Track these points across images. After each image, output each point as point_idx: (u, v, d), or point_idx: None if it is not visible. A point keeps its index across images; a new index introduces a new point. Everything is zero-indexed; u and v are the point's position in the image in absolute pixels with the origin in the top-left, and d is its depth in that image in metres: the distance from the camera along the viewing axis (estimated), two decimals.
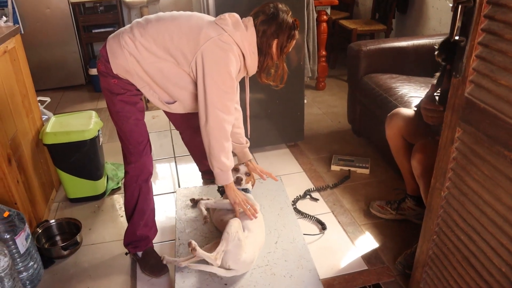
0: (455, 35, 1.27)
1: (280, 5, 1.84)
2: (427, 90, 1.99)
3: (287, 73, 1.97)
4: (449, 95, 1.38)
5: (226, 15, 1.81)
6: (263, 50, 1.83)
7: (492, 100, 1.20)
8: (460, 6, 1.24)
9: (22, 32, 4.12)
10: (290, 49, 1.89)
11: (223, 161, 1.84)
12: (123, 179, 2.06)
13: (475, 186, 1.32)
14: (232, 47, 1.74)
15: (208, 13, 2.60)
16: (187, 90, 1.84)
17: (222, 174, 1.89)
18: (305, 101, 3.21)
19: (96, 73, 4.25)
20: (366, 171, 2.81)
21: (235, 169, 2.11)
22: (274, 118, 2.99)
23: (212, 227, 2.15)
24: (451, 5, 3.70)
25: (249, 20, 1.81)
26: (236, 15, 1.84)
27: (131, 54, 1.74)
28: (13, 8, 3.95)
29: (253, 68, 1.88)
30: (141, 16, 4.85)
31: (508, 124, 1.13)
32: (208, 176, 2.65)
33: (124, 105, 1.83)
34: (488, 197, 1.27)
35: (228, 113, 1.80)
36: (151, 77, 1.80)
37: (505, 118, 1.14)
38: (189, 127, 2.33)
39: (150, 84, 1.82)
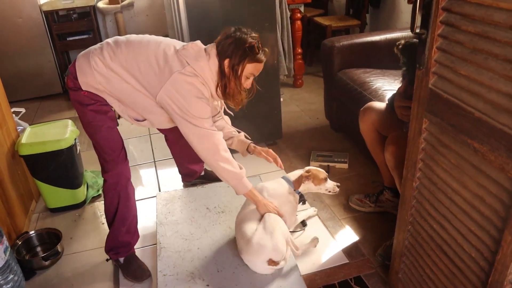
0: (416, 28, 1.30)
1: (243, 28, 1.83)
2: (400, 84, 2.03)
3: (245, 100, 1.92)
4: (414, 87, 1.41)
5: (189, 45, 1.82)
6: (219, 71, 1.82)
7: (454, 90, 1.23)
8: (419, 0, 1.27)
9: None
10: (250, 73, 1.82)
11: (231, 170, 1.84)
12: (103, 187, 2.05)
13: (444, 175, 1.35)
14: (197, 79, 1.76)
15: (180, 19, 2.60)
16: (156, 113, 1.87)
17: (239, 184, 1.88)
18: (282, 99, 3.23)
19: None
20: (345, 166, 2.85)
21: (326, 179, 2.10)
22: (252, 118, 3.00)
23: (193, 229, 2.16)
24: None
25: (212, 48, 1.82)
26: (199, 44, 1.84)
27: (101, 74, 1.76)
28: None
29: (214, 94, 1.87)
30: (116, 22, 4.84)
31: (469, 113, 1.16)
32: (188, 178, 2.66)
33: (95, 115, 1.84)
34: (456, 185, 1.30)
35: (211, 132, 1.81)
36: (119, 98, 1.83)
37: (466, 108, 1.17)
38: (174, 130, 2.32)
39: (119, 101, 1.85)
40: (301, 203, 2.24)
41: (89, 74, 1.76)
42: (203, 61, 1.78)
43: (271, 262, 1.79)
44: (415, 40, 1.93)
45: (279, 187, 2.06)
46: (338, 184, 2.11)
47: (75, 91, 1.81)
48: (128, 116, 1.90)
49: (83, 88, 1.79)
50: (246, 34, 1.80)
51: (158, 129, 2.35)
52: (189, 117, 1.76)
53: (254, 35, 1.82)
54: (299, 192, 2.08)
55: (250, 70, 1.83)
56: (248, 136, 2.16)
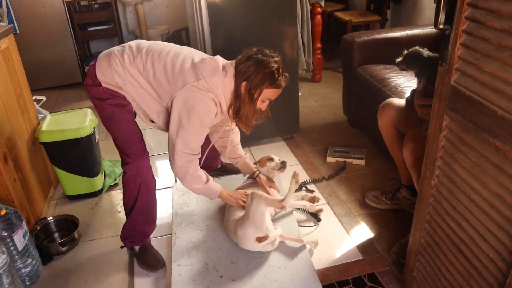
0: (440, 24, 1.28)
1: (266, 50, 1.81)
2: (417, 81, 2.01)
3: (253, 125, 1.93)
4: (436, 84, 1.39)
5: (207, 59, 1.81)
6: (235, 92, 1.81)
7: (477, 87, 1.21)
8: None
9: (18, 31, 4.12)
10: (266, 97, 1.81)
11: (198, 187, 1.94)
12: (121, 176, 2.08)
13: (463, 173, 1.33)
14: (208, 94, 1.76)
15: (200, 11, 2.60)
16: (163, 120, 1.90)
17: (207, 193, 1.99)
18: (300, 93, 3.22)
19: None
20: (362, 162, 2.83)
21: (270, 159, 2.23)
22: (270, 111, 3.00)
23: (209, 221, 2.17)
24: None
25: (231, 65, 1.81)
26: (218, 59, 1.83)
27: (119, 75, 1.79)
28: (8, 8, 3.97)
29: (226, 113, 1.88)
30: (136, 13, 4.87)
31: (492, 111, 1.14)
32: (205, 170, 2.67)
33: (114, 109, 1.86)
34: (475, 184, 1.28)
35: (195, 152, 1.85)
36: (134, 99, 1.85)
37: (489, 105, 1.15)
38: None
39: (133, 103, 1.88)
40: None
41: (108, 74, 1.80)
42: (219, 77, 1.78)
43: (260, 239, 1.87)
44: (414, 49, 1.93)
45: (247, 185, 2.25)
46: (284, 160, 2.23)
47: (94, 87, 1.84)
48: (143, 115, 1.93)
49: (103, 85, 1.82)
50: (268, 57, 1.78)
51: None
52: (183, 132, 1.78)
53: (276, 59, 1.80)
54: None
55: (268, 95, 1.82)
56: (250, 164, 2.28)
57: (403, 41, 2.98)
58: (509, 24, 1.05)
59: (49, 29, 4.35)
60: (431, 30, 3.00)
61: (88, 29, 4.63)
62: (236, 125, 1.98)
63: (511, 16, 1.04)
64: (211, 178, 1.98)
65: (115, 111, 1.86)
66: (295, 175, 1.88)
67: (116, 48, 1.86)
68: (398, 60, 1.99)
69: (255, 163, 2.27)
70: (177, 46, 1.92)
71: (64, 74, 4.59)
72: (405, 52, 1.97)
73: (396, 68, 2.85)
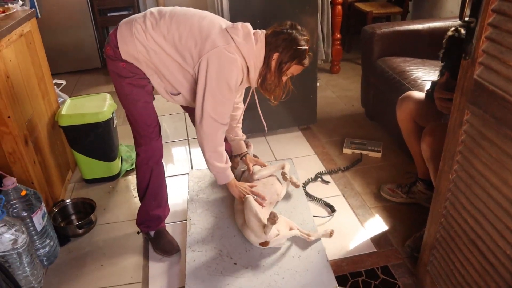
0: (465, 16, 1.26)
1: (298, 26, 1.82)
2: (439, 74, 1.98)
3: (284, 95, 1.94)
4: (458, 78, 1.37)
5: (239, 24, 1.79)
6: (265, 62, 1.81)
7: (500, 82, 1.19)
8: None
9: (39, 16, 4.14)
10: (291, 72, 1.84)
11: (218, 165, 1.90)
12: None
13: (483, 169, 1.32)
14: (237, 59, 1.73)
15: (221, 3, 2.59)
16: (190, 88, 1.87)
17: (220, 176, 1.96)
18: (318, 84, 3.21)
19: None
20: (378, 155, 2.81)
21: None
22: (287, 101, 2.96)
23: (224, 208, 2.18)
24: None
25: (262, 33, 1.80)
26: (249, 26, 1.81)
27: (141, 43, 1.74)
28: None
29: (254, 81, 1.87)
30: (156, 0, 4.87)
31: None
32: None
33: (133, 88, 1.84)
34: (495, 180, 1.26)
35: (223, 120, 1.82)
36: (158, 68, 1.81)
37: None
38: None
39: (157, 74, 1.84)
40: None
41: (130, 42, 1.75)
42: (251, 44, 1.76)
43: (262, 244, 1.86)
44: (452, 32, 1.88)
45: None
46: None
47: (114, 61, 1.80)
48: (164, 89, 1.90)
49: (123, 57, 1.77)
50: (300, 35, 1.78)
51: (183, 107, 2.36)
52: (210, 97, 1.74)
53: (306, 37, 1.80)
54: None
55: (293, 71, 1.84)
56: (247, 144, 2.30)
57: (424, 34, 2.94)
58: None
59: (69, 14, 4.38)
60: (454, 22, 2.95)
61: (108, 14, 4.65)
62: (259, 89, 1.93)
63: None
64: (229, 163, 1.98)
65: (133, 90, 1.84)
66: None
67: (137, 16, 1.81)
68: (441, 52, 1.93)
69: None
70: (200, 10, 1.87)
71: (83, 59, 4.63)
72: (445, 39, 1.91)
73: (417, 61, 2.83)
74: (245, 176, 2.24)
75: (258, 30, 1.83)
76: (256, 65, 1.80)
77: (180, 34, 1.74)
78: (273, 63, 1.79)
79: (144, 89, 1.87)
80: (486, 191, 1.31)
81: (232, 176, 2.00)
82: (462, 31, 1.83)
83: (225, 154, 1.92)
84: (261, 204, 1.98)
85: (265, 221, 1.84)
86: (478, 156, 1.33)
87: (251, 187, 2.06)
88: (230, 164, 1.97)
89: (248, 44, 1.75)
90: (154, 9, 1.84)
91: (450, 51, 1.89)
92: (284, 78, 1.87)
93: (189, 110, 2.37)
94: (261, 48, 1.78)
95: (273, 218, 1.77)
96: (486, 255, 1.35)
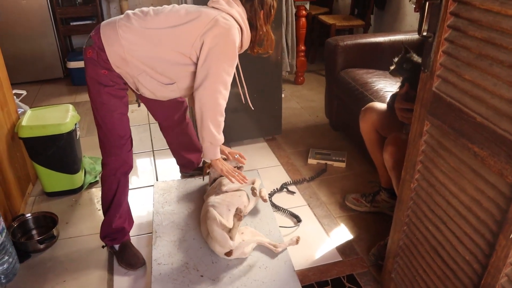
0: (423, 31, 1.31)
1: None
2: (400, 85, 2.04)
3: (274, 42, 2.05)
4: (418, 90, 1.42)
5: None
6: (253, 24, 1.91)
7: (457, 94, 1.24)
8: (427, 3, 1.28)
9: None
10: (273, 17, 1.98)
11: (215, 134, 1.89)
12: (101, 173, 2.06)
13: (442, 177, 1.36)
14: (233, 24, 1.80)
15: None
16: (187, 71, 1.86)
17: (211, 148, 1.94)
18: (283, 95, 3.24)
19: (75, 66, 4.26)
20: (343, 165, 2.86)
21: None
22: (252, 111, 3.01)
23: (190, 220, 2.17)
24: (413, 6, 3.81)
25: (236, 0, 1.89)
26: None
27: (129, 42, 1.74)
28: None
29: (246, 42, 1.94)
30: (120, 9, 4.82)
31: (471, 117, 1.17)
32: (185, 169, 2.67)
33: (111, 98, 1.82)
34: (454, 188, 1.31)
35: (226, 88, 1.85)
36: (148, 63, 1.80)
37: (468, 112, 1.18)
38: (169, 118, 2.33)
39: (148, 70, 1.82)
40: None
41: (115, 42, 1.73)
42: (235, 7, 1.85)
43: (227, 254, 1.88)
44: (405, 54, 1.96)
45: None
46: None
47: (95, 66, 1.76)
48: (158, 82, 1.86)
49: (110, 59, 1.74)
50: None
51: (153, 115, 2.36)
52: (222, 69, 1.80)
53: None
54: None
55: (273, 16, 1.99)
56: None
57: (386, 47, 3.03)
58: (489, 34, 1.09)
59: (30, 21, 4.27)
60: (413, 36, 3.06)
61: (71, 23, 4.57)
62: (251, 50, 2.03)
63: (491, 26, 1.07)
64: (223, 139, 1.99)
65: (111, 100, 1.82)
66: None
67: (117, 18, 1.80)
68: (392, 68, 2.00)
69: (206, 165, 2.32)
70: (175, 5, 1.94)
71: (44, 69, 4.51)
72: (396, 59, 1.99)
73: (379, 73, 2.91)
74: (213, 186, 2.24)
75: None
76: (246, 25, 1.89)
77: (172, 22, 1.78)
78: (262, 21, 1.92)
79: (122, 100, 1.85)
80: (445, 199, 1.36)
81: (219, 154, 2.00)
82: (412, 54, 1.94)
83: (222, 126, 1.93)
84: (243, 181, 2.05)
85: (229, 226, 1.85)
86: (438, 165, 1.37)
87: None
88: (223, 140, 1.96)
89: (234, 8, 1.84)
90: (136, 11, 1.85)
91: (403, 66, 1.96)
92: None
93: (161, 118, 2.36)
94: (243, 10, 1.88)
95: (239, 214, 1.81)
96: (446, 261, 1.39)
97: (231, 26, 1.78)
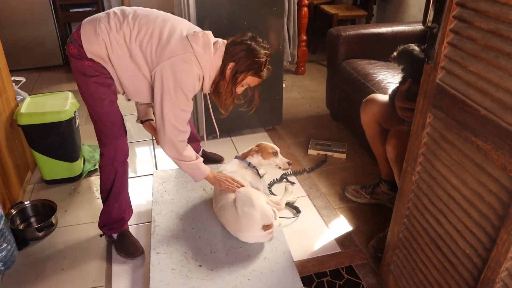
0: (428, 22, 1.29)
1: (259, 38, 1.85)
2: (401, 80, 2.02)
3: (232, 106, 1.95)
4: (421, 81, 1.40)
5: (200, 33, 1.79)
6: (220, 70, 1.83)
7: (461, 86, 1.22)
8: None
9: None
10: (247, 83, 1.87)
11: (188, 164, 1.92)
12: (99, 163, 2.04)
13: (444, 170, 1.35)
14: (194, 69, 1.75)
15: (188, 2, 2.57)
16: (142, 93, 1.87)
17: (195, 172, 1.98)
18: (284, 85, 3.22)
19: None
20: (343, 156, 2.85)
21: (275, 153, 2.19)
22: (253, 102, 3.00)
23: (189, 209, 2.16)
24: None
25: (222, 44, 1.83)
26: (210, 35, 1.82)
27: (105, 42, 1.73)
28: None
29: (207, 87, 1.89)
30: None
31: (475, 110, 1.16)
32: None
33: (98, 87, 1.80)
34: (455, 181, 1.30)
35: (184, 126, 1.85)
36: (115, 69, 1.80)
37: (473, 105, 1.17)
38: None
39: (117, 74, 1.82)
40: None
41: (94, 41, 1.72)
42: (209, 53, 1.77)
43: (265, 227, 1.88)
44: (409, 45, 1.94)
45: (232, 165, 2.19)
46: (290, 161, 2.20)
47: (79, 59, 1.76)
48: (125, 88, 1.88)
49: (88, 56, 1.74)
50: (260, 47, 1.82)
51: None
52: (169, 105, 1.76)
53: (266, 51, 1.83)
54: (252, 165, 2.20)
55: (249, 81, 1.88)
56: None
57: (388, 37, 3.00)
58: (496, 25, 1.07)
59: (29, 8, 4.22)
60: (416, 27, 3.03)
61: (71, 10, 4.52)
62: (211, 94, 1.95)
63: (498, 18, 1.06)
64: (200, 158, 1.97)
65: (99, 89, 1.80)
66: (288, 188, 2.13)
67: (99, 15, 1.78)
68: (392, 55, 1.99)
69: (250, 150, 2.21)
70: (163, 12, 1.87)
71: (44, 56, 4.48)
72: (401, 46, 1.98)
73: (381, 64, 2.89)
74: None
75: (219, 39, 1.85)
76: (211, 74, 1.83)
77: (141, 40, 1.74)
78: (228, 72, 1.82)
79: (110, 88, 1.84)
80: (447, 192, 1.35)
81: (207, 169, 2.00)
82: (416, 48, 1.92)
83: (193, 153, 1.94)
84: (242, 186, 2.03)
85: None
86: (440, 158, 1.36)
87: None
88: (201, 159, 1.97)
89: (206, 54, 1.77)
90: (117, 9, 1.82)
91: (402, 55, 1.95)
92: (240, 89, 1.90)
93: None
94: (219, 57, 1.81)
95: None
96: (446, 254, 1.38)
97: (188, 72, 1.74)
